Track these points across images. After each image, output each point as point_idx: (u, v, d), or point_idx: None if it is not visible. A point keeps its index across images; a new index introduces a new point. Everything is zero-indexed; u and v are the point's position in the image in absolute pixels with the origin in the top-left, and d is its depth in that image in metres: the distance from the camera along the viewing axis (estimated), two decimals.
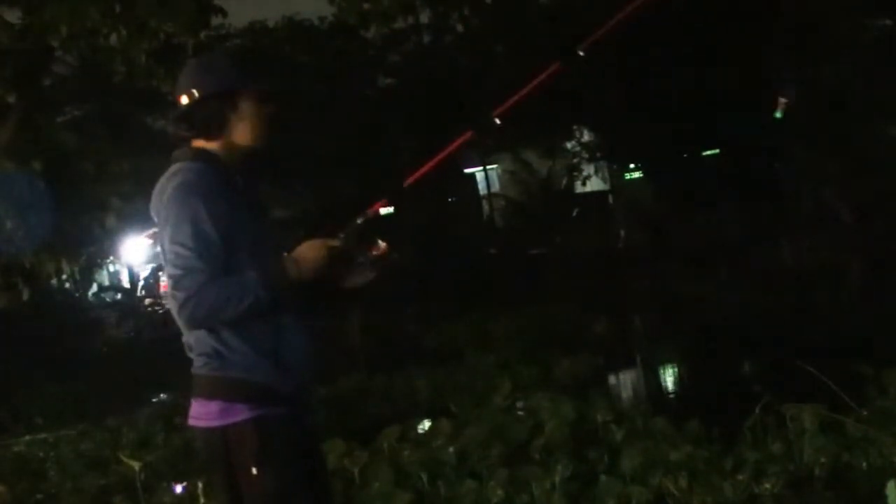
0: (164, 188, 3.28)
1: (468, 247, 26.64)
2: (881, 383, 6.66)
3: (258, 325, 3.26)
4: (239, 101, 3.34)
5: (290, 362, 3.32)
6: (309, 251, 3.29)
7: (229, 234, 3.22)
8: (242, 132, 3.36)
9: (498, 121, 3.45)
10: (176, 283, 3.19)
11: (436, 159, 3.44)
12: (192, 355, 3.35)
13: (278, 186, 23.02)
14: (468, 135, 3.47)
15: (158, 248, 3.35)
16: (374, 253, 3.39)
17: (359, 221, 3.36)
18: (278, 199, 23.40)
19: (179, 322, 3.24)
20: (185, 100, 3.35)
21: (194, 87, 3.34)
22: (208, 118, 3.33)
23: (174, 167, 3.32)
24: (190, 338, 3.32)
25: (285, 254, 3.30)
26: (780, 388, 6.61)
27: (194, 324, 3.23)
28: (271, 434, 3.25)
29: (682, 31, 21.92)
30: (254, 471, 3.24)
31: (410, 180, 3.44)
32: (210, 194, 3.22)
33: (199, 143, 3.37)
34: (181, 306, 3.18)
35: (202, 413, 3.32)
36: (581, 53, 3.41)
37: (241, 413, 3.24)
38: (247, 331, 3.25)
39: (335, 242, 3.32)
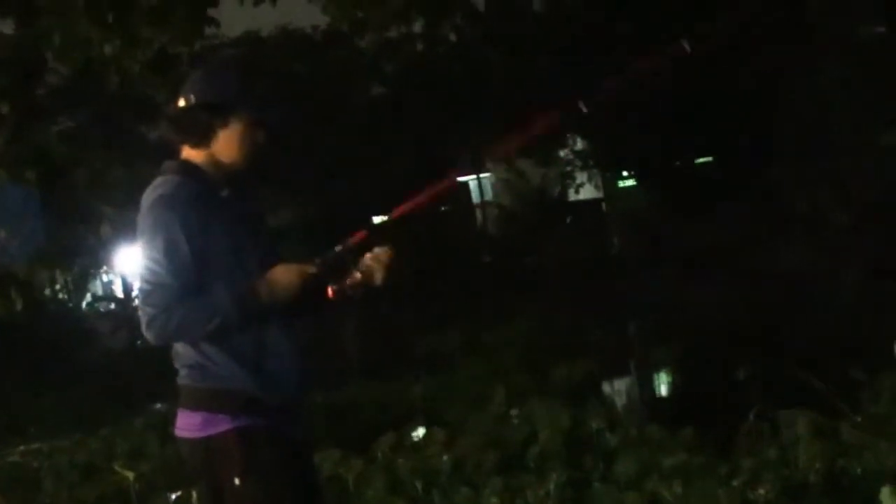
0: (146, 201, 3.29)
1: (462, 255, 26.61)
2: (875, 389, 6.67)
3: (241, 338, 3.25)
4: (230, 119, 3.32)
5: (276, 374, 3.30)
6: (283, 275, 3.28)
7: (205, 249, 3.21)
8: (227, 149, 3.34)
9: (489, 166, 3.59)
10: (145, 297, 3.19)
11: (421, 199, 3.47)
12: (177, 366, 3.34)
13: (272, 195, 23.01)
14: (453, 181, 3.55)
15: None
16: (349, 282, 3.40)
17: (337, 249, 3.37)
18: (272, 207, 23.37)
19: (147, 337, 3.23)
20: (181, 103, 3.35)
21: (192, 93, 3.34)
22: (195, 126, 3.32)
23: (158, 180, 3.33)
24: (177, 348, 3.32)
25: (265, 274, 3.28)
26: (775, 394, 6.62)
27: (161, 341, 3.24)
28: (255, 445, 3.23)
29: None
30: (237, 482, 3.23)
31: (395, 215, 3.46)
32: (186, 209, 3.21)
33: (187, 153, 3.36)
34: (149, 323, 3.18)
35: (186, 424, 3.32)
36: (584, 109, 3.53)
37: (224, 424, 3.24)
38: (229, 343, 3.24)
39: (311, 268, 3.32)
